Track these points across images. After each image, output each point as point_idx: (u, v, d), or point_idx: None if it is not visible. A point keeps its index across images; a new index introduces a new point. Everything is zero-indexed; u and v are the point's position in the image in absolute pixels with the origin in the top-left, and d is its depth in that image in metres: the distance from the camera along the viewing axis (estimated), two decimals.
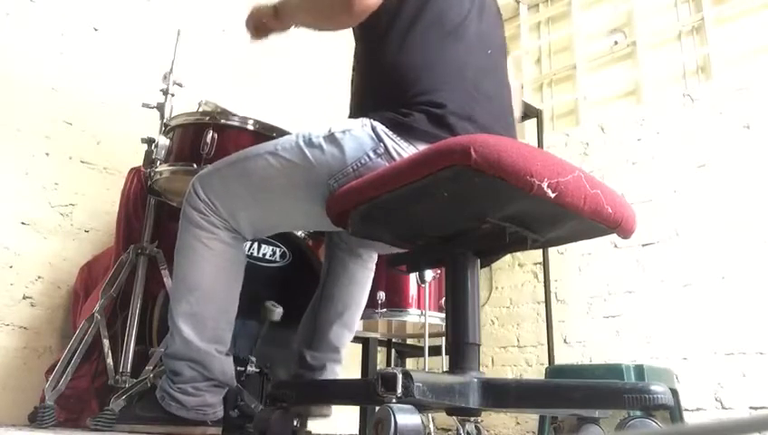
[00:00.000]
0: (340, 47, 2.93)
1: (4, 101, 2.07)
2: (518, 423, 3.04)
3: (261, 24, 1.38)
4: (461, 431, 1.99)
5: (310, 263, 1.93)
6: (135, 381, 1.56)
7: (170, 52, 1.91)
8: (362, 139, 1.16)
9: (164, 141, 1.74)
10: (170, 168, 1.71)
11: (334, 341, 1.47)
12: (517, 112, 1.46)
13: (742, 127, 2.67)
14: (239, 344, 1.62)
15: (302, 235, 2.02)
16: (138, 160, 1.86)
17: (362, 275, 1.53)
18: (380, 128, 1.16)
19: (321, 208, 1.18)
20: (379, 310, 2.07)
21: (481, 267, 1.16)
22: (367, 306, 1.62)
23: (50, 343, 2.02)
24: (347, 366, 1.53)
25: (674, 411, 2.32)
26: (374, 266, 1.57)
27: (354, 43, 1.36)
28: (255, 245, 1.84)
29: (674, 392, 2.29)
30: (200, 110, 1.91)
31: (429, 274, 2.02)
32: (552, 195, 0.90)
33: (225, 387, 1.29)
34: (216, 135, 1.68)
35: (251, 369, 1.62)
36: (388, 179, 1.03)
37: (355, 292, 1.51)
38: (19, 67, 2.13)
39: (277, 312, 1.63)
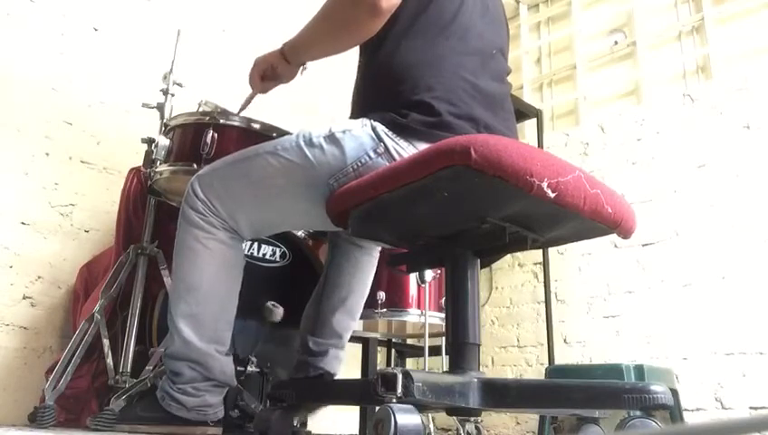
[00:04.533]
0: None
1: (4, 101, 2.07)
2: (518, 423, 3.04)
3: (268, 73, 1.38)
4: (461, 431, 1.99)
5: (310, 263, 1.93)
6: (135, 381, 1.57)
7: (170, 52, 1.91)
8: (362, 138, 1.16)
9: (164, 141, 1.74)
10: (170, 168, 1.71)
11: (337, 327, 1.48)
12: None
13: (742, 127, 2.67)
14: (239, 344, 1.63)
15: (302, 235, 2.02)
16: (138, 160, 1.86)
17: (366, 262, 1.53)
18: (380, 128, 1.16)
19: (321, 208, 1.18)
20: (379, 310, 2.07)
21: (481, 267, 1.16)
22: (367, 306, 1.62)
23: (50, 343, 2.02)
24: (347, 366, 1.53)
25: (674, 411, 2.32)
26: (378, 254, 1.57)
27: None
28: (255, 245, 1.84)
29: (674, 392, 2.30)
30: (200, 110, 1.91)
31: (429, 274, 2.02)
32: (552, 195, 0.90)
33: (225, 387, 1.29)
34: (216, 135, 1.68)
35: (251, 369, 1.62)
36: (387, 179, 1.03)
37: (359, 277, 1.52)
38: (19, 67, 2.13)
39: (277, 312, 1.63)
